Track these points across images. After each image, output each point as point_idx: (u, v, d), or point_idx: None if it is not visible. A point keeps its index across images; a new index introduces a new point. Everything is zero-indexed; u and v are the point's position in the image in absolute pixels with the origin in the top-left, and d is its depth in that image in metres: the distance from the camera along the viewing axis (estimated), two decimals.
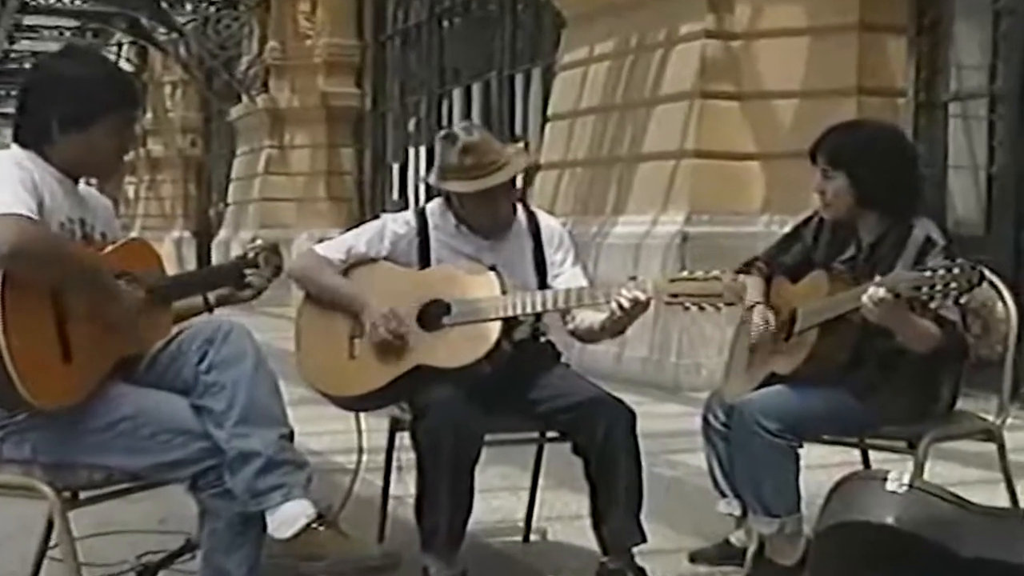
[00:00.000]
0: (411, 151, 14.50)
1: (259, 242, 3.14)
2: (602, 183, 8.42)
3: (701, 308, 2.97)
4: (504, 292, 3.13)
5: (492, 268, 3.18)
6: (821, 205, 3.22)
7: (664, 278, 3.02)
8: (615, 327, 3.13)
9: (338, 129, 15.46)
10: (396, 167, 14.86)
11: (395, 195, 14.80)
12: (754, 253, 3.48)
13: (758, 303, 3.28)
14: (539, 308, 3.12)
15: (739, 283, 2.98)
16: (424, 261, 3.27)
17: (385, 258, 3.27)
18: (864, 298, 2.87)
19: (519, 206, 3.36)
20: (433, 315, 3.14)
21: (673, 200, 7.71)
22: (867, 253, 3.17)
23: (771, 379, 3.17)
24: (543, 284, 3.28)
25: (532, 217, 3.37)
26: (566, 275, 3.30)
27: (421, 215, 3.32)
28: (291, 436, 2.68)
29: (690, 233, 7.45)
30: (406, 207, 14.66)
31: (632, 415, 3.17)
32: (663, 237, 7.58)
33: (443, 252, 3.27)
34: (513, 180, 3.25)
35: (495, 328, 3.09)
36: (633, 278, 3.06)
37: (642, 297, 3.01)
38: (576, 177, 8.49)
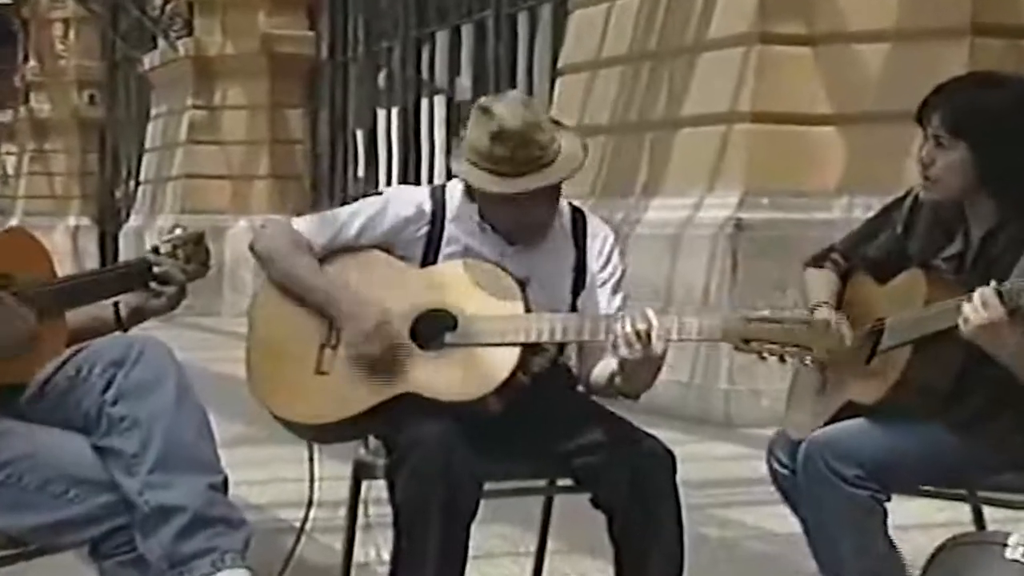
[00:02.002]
0: (380, 114, 14.52)
1: (179, 231, 3.15)
2: (630, 155, 8.45)
3: (783, 360, 3.02)
4: (528, 310, 3.15)
5: (519, 282, 3.18)
6: (922, 180, 3.22)
7: (739, 316, 3.06)
8: (627, 382, 3.12)
9: (285, 84, 15.51)
10: (361, 134, 14.89)
11: (360, 171, 14.84)
12: (830, 244, 3.48)
13: (824, 303, 3.29)
14: (572, 336, 3.14)
15: (835, 331, 3.01)
16: (430, 258, 3.28)
17: (380, 247, 3.29)
18: (966, 308, 2.88)
19: (562, 204, 3.34)
20: (432, 329, 3.17)
21: (723, 177, 7.75)
22: (977, 250, 3.16)
23: (848, 411, 3.18)
24: (576, 306, 3.30)
25: (578, 219, 3.37)
26: (601, 298, 3.29)
27: (439, 198, 3.31)
28: (225, 485, 2.70)
29: (745, 220, 7.49)
30: (374, 187, 14.80)
31: (671, 458, 3.18)
32: (709, 226, 7.61)
33: (457, 254, 3.27)
34: (558, 183, 3.23)
35: (512, 356, 3.11)
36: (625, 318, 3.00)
37: (643, 331, 3.00)
38: (596, 148, 8.49)
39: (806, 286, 3.39)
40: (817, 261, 3.41)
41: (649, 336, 3.01)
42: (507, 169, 3.15)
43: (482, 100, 3.25)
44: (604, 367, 3.24)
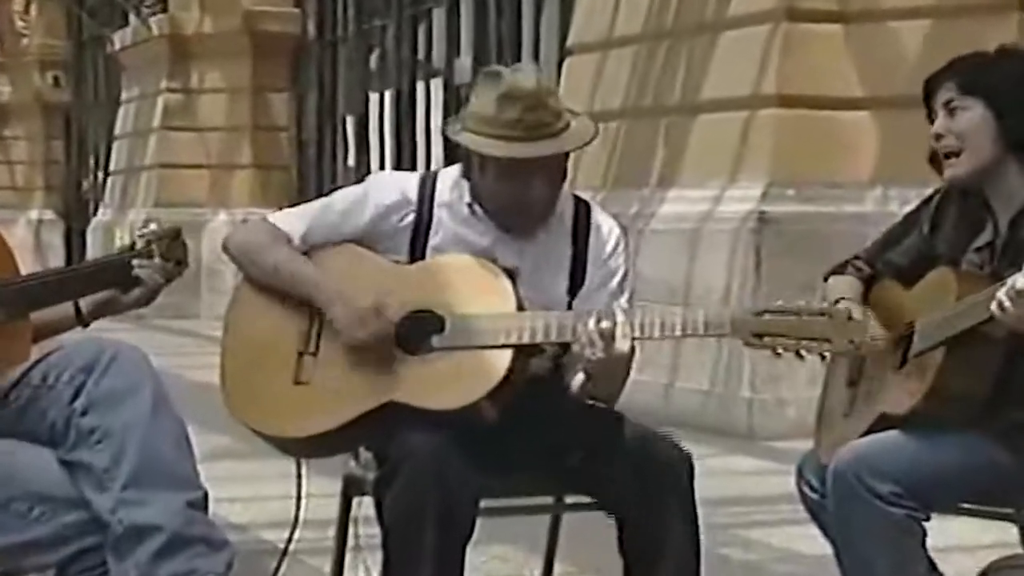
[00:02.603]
0: (373, 98, 14.53)
1: (153, 227, 3.17)
2: (644, 143, 8.46)
3: (800, 355, 3.01)
4: (521, 308, 3.16)
5: (509, 272, 3.23)
6: (942, 160, 3.22)
7: (747, 310, 3.05)
8: (594, 386, 3.14)
9: (269, 65, 15.51)
10: (351, 120, 14.90)
11: (350, 159, 14.83)
12: (863, 240, 3.50)
13: (845, 299, 3.27)
14: (569, 336, 3.12)
15: (858, 321, 3.00)
16: (417, 249, 3.28)
17: (361, 241, 3.29)
18: (999, 295, 2.87)
19: (566, 194, 3.32)
20: (418, 331, 3.18)
21: (746, 167, 7.76)
22: (1006, 236, 3.17)
23: (881, 425, 3.18)
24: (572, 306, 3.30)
25: (581, 211, 3.36)
26: (602, 301, 3.27)
27: (429, 184, 3.32)
28: (205, 503, 2.71)
29: (770, 213, 7.50)
30: (364, 176, 14.67)
31: (688, 459, 3.19)
32: (731, 219, 7.63)
33: (446, 241, 3.28)
34: (566, 157, 3.24)
35: (504, 358, 3.12)
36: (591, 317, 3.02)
37: (606, 330, 3.00)
38: (607, 134, 8.50)
39: (827, 293, 3.39)
40: (838, 270, 3.42)
41: (612, 335, 3.02)
42: (515, 133, 3.15)
43: (489, 68, 3.28)
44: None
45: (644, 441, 3.18)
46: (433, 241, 3.27)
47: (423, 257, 3.27)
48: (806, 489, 3.33)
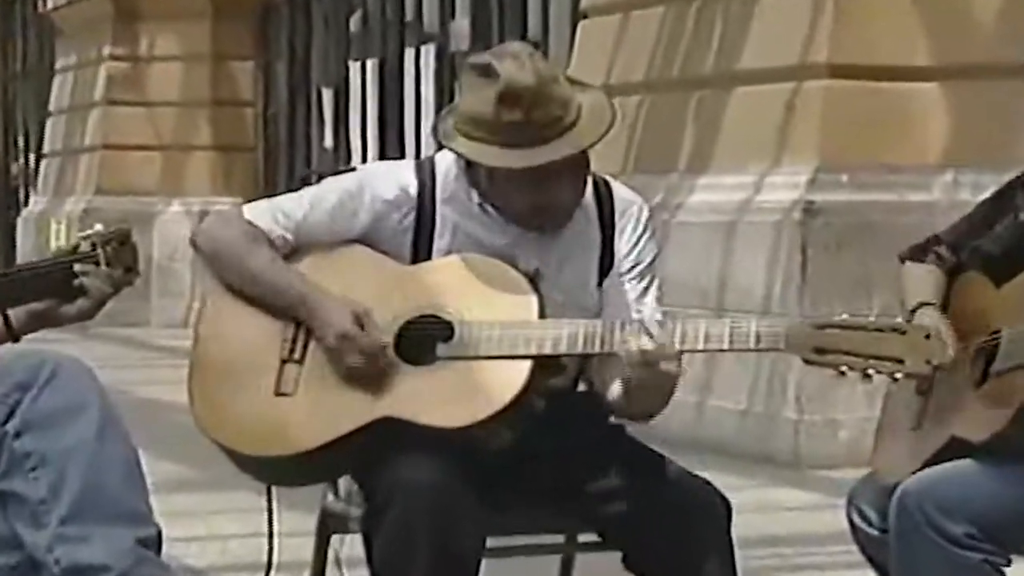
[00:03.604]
0: (353, 67, 14.53)
1: (99, 227, 3.17)
2: (672, 122, 8.45)
3: (867, 376, 3.03)
4: (543, 315, 3.18)
5: (530, 277, 3.25)
6: None
7: (806, 323, 3.08)
8: (632, 403, 3.18)
9: (232, 29, 15.50)
10: (329, 94, 14.90)
11: (327, 140, 14.83)
12: (931, 233, 3.51)
13: (927, 304, 3.30)
14: (598, 347, 3.15)
15: (939, 340, 3.01)
16: (421, 252, 3.31)
17: (357, 241, 3.32)
18: None
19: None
20: (421, 339, 3.20)
21: (791, 148, 7.74)
22: None
23: (953, 450, 3.19)
24: None
25: (603, 193, 3.39)
26: (628, 294, 3.32)
27: (427, 174, 3.34)
28: (157, 542, 2.70)
29: (818, 203, 7.48)
30: (345, 161, 14.73)
31: (725, 507, 3.21)
32: (773, 210, 7.61)
33: (456, 242, 3.29)
34: (586, 152, 3.26)
35: (520, 372, 3.14)
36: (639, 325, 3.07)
37: (650, 348, 3.05)
38: (629, 112, 8.46)
39: (903, 284, 3.39)
40: (918, 254, 3.41)
41: (655, 357, 3.05)
42: (521, 138, 3.16)
43: (475, 58, 3.27)
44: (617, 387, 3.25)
45: (676, 484, 3.20)
46: (440, 243, 3.30)
47: (428, 258, 3.29)
48: (861, 524, 3.33)
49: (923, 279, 3.36)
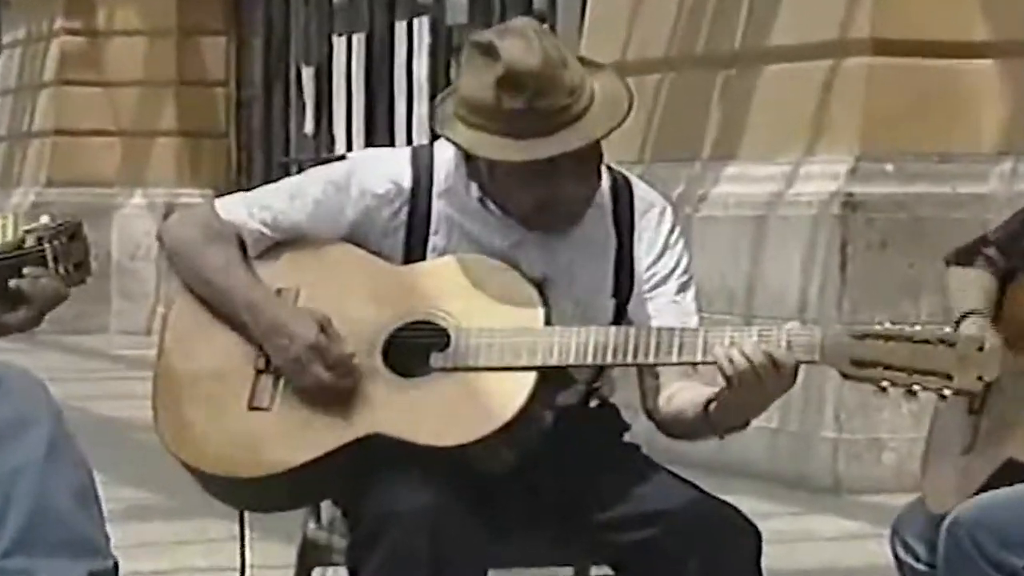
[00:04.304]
0: (338, 43, 14.54)
1: (45, 220, 3.18)
2: (694, 103, 8.44)
3: (911, 392, 3.02)
4: (549, 322, 3.19)
5: (536, 284, 3.25)
6: None
7: (843, 331, 3.08)
8: (727, 415, 3.19)
9: (201, 0, 15.52)
10: (310, 73, 14.89)
11: (307, 124, 14.82)
12: (983, 231, 3.52)
13: (976, 312, 3.31)
14: (609, 359, 3.17)
15: (991, 352, 2.99)
16: (415, 250, 3.31)
17: (344, 238, 3.32)
18: None
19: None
20: (413, 347, 3.20)
21: (829, 134, 7.73)
22: None
23: (1009, 473, 3.19)
24: (622, 314, 3.34)
25: (621, 189, 3.39)
26: (662, 306, 3.33)
27: (423, 165, 3.34)
28: (113, 574, 2.70)
29: (860, 196, 7.48)
30: (327, 148, 14.72)
31: (755, 538, 3.20)
32: (808, 204, 7.61)
33: (452, 239, 3.30)
34: (599, 143, 3.26)
35: (524, 385, 3.15)
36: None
37: (778, 358, 3.07)
38: (646, 94, 8.45)
39: (949, 289, 3.39)
40: (965, 257, 3.42)
41: (774, 362, 3.05)
42: (524, 127, 3.16)
43: (477, 35, 3.26)
44: (693, 396, 3.24)
45: (699, 510, 3.20)
46: (435, 241, 3.30)
47: (422, 258, 3.29)
48: (906, 557, 3.34)
49: (971, 285, 3.36)
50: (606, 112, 3.23)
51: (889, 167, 7.61)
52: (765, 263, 7.67)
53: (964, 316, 3.30)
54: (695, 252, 7.35)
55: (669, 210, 3.40)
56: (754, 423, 7.62)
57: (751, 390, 3.08)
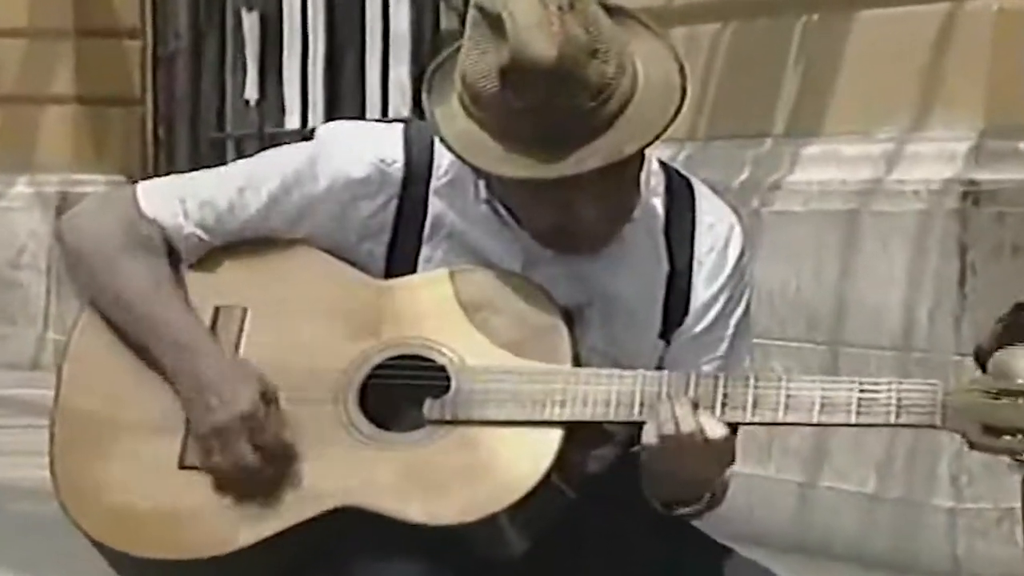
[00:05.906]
0: None
1: None
2: (764, 62, 8.55)
3: None
4: (578, 362, 3.21)
5: (564, 310, 3.27)
6: None
7: (974, 385, 3.12)
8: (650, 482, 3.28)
9: None
10: (253, 19, 14.96)
11: (250, 88, 14.90)
12: None
13: None
14: (648, 414, 3.22)
15: None
16: (402, 260, 3.35)
17: (312, 242, 3.37)
18: None
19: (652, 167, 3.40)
20: (401, 393, 3.26)
21: (941, 102, 7.80)
22: None
23: None
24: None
25: (681, 199, 3.44)
26: (709, 350, 3.40)
27: (420, 145, 3.37)
28: None
29: (984, 184, 7.54)
30: (275, 123, 14.84)
31: None
32: (916, 195, 7.67)
33: (450, 249, 3.36)
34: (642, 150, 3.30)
35: (548, 445, 3.19)
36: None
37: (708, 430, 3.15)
38: (699, 47, 8.60)
39: None
40: None
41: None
42: (533, 135, 3.18)
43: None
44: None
45: None
46: (427, 250, 3.33)
47: (413, 270, 3.32)
48: None
49: None
50: (647, 112, 3.25)
51: (1022, 146, 7.64)
52: (857, 272, 7.75)
53: None
54: (764, 257, 7.52)
55: (739, 229, 3.45)
56: (841, 486, 7.73)
57: (670, 458, 3.19)
